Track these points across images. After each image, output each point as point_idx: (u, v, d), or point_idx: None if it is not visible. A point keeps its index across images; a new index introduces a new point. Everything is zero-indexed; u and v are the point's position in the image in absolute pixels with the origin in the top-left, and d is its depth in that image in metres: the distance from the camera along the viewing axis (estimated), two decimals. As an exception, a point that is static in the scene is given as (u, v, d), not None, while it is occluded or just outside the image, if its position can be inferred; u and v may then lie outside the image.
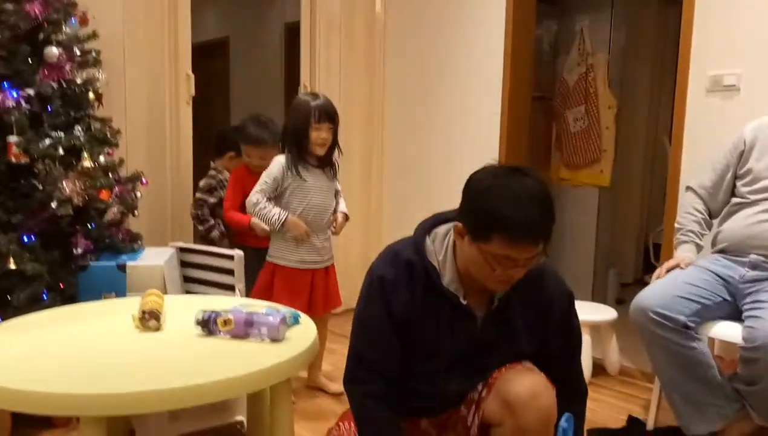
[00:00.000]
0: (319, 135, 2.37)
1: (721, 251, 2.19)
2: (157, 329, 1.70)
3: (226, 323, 1.64)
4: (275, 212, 2.38)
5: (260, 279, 2.48)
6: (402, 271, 1.48)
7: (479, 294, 1.51)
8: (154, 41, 2.96)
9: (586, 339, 2.79)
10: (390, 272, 1.48)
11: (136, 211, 2.58)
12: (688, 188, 2.35)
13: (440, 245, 1.52)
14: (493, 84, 3.31)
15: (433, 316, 1.49)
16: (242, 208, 2.62)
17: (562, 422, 1.18)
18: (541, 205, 1.36)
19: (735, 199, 2.19)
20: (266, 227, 2.49)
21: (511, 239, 1.34)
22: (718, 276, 2.10)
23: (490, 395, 1.52)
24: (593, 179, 3.99)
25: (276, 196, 2.42)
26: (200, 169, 3.18)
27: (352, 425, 1.65)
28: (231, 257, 2.37)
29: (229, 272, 2.38)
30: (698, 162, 2.52)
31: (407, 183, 3.80)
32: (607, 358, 2.92)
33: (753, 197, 2.11)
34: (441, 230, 1.55)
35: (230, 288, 2.39)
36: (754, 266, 2.07)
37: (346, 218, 2.59)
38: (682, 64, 2.60)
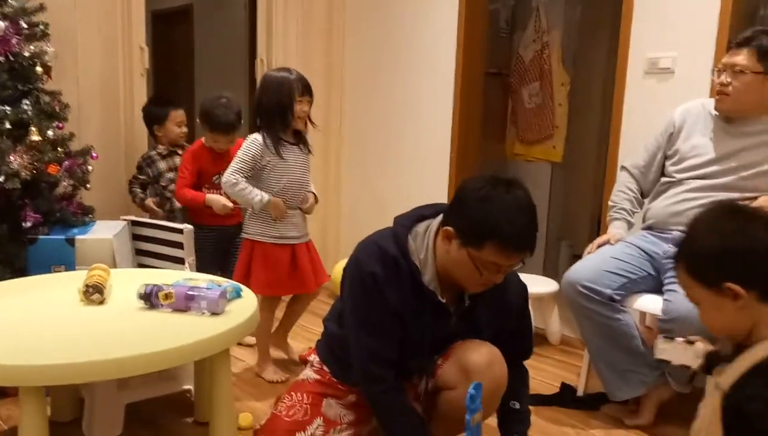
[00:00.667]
0: (302, 108, 2.39)
1: (649, 228, 2.31)
2: (101, 302, 1.76)
3: (167, 296, 1.71)
4: (256, 193, 2.35)
5: (240, 259, 2.47)
6: (390, 267, 1.55)
7: (452, 292, 1.62)
8: (106, 13, 2.94)
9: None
10: (380, 269, 1.54)
11: (88, 185, 2.60)
12: (623, 168, 2.46)
13: (421, 244, 1.59)
14: (446, 59, 3.36)
15: (416, 312, 1.58)
16: (196, 188, 2.67)
17: (470, 389, 1.28)
18: (532, 217, 1.48)
19: (664, 179, 2.31)
20: (228, 204, 2.55)
21: (503, 248, 1.45)
22: (644, 252, 2.23)
23: (448, 362, 1.66)
24: (546, 155, 4.10)
25: (252, 175, 2.39)
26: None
27: (305, 395, 1.75)
28: (180, 231, 2.42)
29: (179, 245, 2.43)
30: (636, 142, 2.62)
31: (366, 157, 3.86)
32: (548, 328, 3.06)
33: (679, 176, 2.23)
34: (420, 228, 1.62)
35: (180, 261, 2.44)
36: (676, 243, 2.19)
37: (316, 199, 2.57)
38: (622, 45, 2.69)
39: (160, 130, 2.97)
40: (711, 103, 2.18)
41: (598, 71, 4.47)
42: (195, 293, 1.70)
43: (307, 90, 2.40)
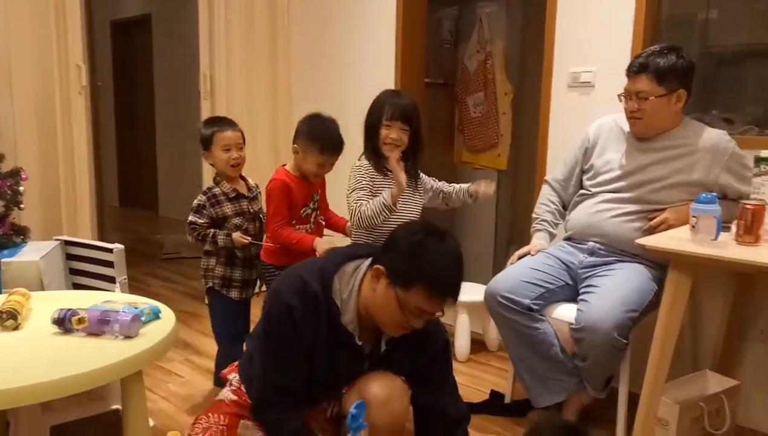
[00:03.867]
0: (388, 134, 2.18)
1: (568, 239, 2.39)
2: (15, 328, 1.77)
3: (80, 321, 1.73)
4: (378, 197, 2.13)
5: None
6: (309, 303, 1.57)
7: (371, 334, 1.65)
8: (41, 31, 2.95)
9: (464, 318, 2.99)
10: (298, 303, 1.56)
11: (21, 205, 2.61)
12: (545, 181, 2.54)
13: (346, 284, 1.62)
14: (386, 70, 3.42)
15: (329, 349, 1.61)
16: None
17: (352, 409, 1.32)
18: (460, 269, 1.54)
19: (581, 191, 2.39)
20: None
21: (430, 294, 1.49)
22: (562, 262, 2.30)
23: (352, 390, 1.69)
24: (492, 162, 4.17)
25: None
26: (126, 157, 3.20)
27: (221, 417, 1.78)
28: (110, 250, 2.44)
29: (110, 264, 2.46)
30: (563, 152, 2.70)
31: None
32: (486, 334, 3.12)
33: (594, 190, 2.31)
34: (349, 267, 1.64)
35: (112, 280, 2.46)
36: (591, 253, 2.27)
37: None
38: (546, 59, 2.77)
39: (207, 157, 2.49)
40: (623, 118, 2.26)
41: (539, 81, 4.55)
42: (108, 317, 1.73)
43: (399, 115, 2.16)
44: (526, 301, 2.20)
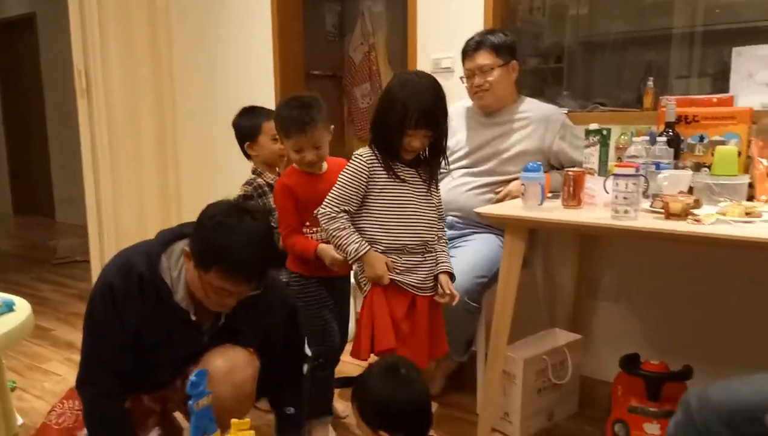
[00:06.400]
0: (410, 142, 1.80)
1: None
2: None
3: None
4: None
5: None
6: (133, 285, 1.56)
7: (210, 309, 1.64)
8: None
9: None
10: (120, 283, 1.55)
11: None
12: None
13: (175, 263, 1.62)
14: (265, 65, 3.47)
15: (163, 328, 1.60)
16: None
17: (192, 376, 1.37)
18: (261, 249, 1.53)
19: (440, 171, 2.52)
20: (338, 257, 1.89)
21: (227, 275, 1.49)
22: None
23: (197, 366, 1.68)
24: (381, 151, 4.29)
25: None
26: (17, 163, 3.05)
27: (75, 402, 1.78)
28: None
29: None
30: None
31: (203, 167, 3.89)
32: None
33: (450, 168, 2.45)
34: (178, 246, 1.64)
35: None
36: (450, 226, 2.41)
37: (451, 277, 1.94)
38: (410, 47, 2.91)
39: (254, 148, 2.34)
40: (468, 102, 2.44)
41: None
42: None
43: (425, 122, 1.77)
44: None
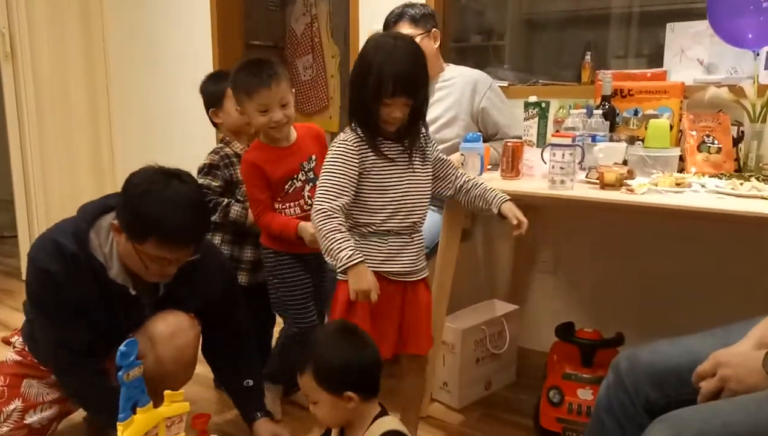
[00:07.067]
0: (390, 112, 1.57)
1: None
2: None
3: None
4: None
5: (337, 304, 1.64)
6: (69, 265, 1.52)
7: (148, 281, 1.61)
8: None
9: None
10: (56, 267, 1.51)
11: None
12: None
13: (105, 239, 1.57)
14: (203, 34, 3.35)
15: (104, 304, 1.57)
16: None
17: (121, 347, 1.33)
18: (195, 211, 1.50)
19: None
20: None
21: (164, 243, 1.46)
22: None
23: (139, 333, 1.67)
24: (324, 125, 4.23)
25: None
26: None
27: (2, 378, 1.73)
28: None
29: None
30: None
31: (138, 130, 3.76)
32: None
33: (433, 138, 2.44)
34: (105, 222, 1.58)
35: None
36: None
37: None
38: (352, 18, 2.87)
39: (219, 115, 2.17)
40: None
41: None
42: None
43: (401, 89, 1.53)
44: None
